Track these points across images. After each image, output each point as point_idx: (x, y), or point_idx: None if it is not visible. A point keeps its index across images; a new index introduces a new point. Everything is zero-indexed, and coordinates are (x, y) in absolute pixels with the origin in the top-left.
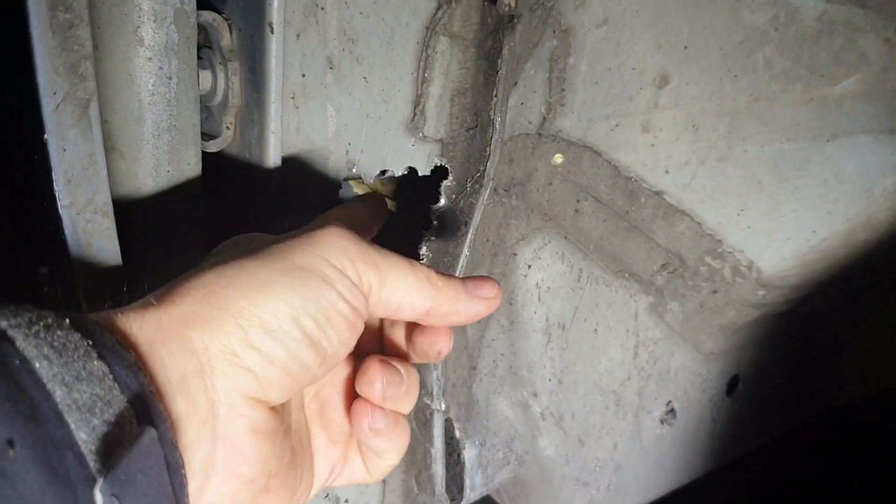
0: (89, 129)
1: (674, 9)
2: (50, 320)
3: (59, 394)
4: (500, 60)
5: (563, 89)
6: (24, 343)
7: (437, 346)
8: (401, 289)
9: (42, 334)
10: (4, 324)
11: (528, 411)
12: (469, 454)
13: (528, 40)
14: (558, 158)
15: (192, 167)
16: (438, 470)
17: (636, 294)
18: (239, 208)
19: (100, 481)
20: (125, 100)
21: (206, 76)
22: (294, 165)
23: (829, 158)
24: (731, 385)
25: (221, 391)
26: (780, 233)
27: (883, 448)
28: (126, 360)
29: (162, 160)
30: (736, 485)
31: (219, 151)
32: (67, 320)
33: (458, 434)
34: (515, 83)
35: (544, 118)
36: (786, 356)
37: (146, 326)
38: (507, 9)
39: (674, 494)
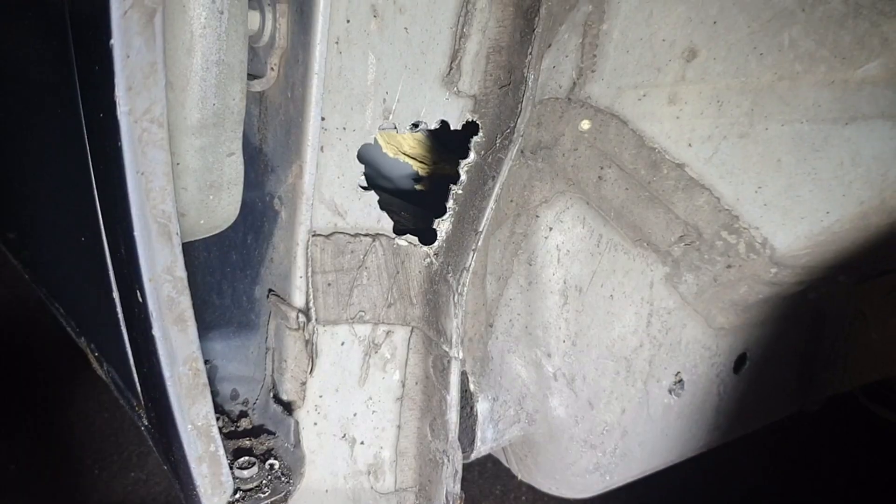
0: (153, 38)
1: None
2: None
3: None
4: (536, 19)
5: (594, 55)
6: None
7: None
8: None
9: None
10: None
11: (541, 371)
12: (482, 408)
13: (565, 2)
14: (585, 124)
15: (236, 103)
16: (452, 417)
17: (653, 263)
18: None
19: None
20: (177, 31)
21: (254, 16)
22: (333, 109)
23: (846, 141)
24: (739, 363)
25: None
26: (795, 212)
27: (883, 439)
28: None
29: (209, 93)
30: (734, 468)
31: (261, 91)
32: None
33: (472, 387)
34: (549, 45)
35: (574, 83)
36: (793, 340)
37: None
38: None
39: (674, 471)
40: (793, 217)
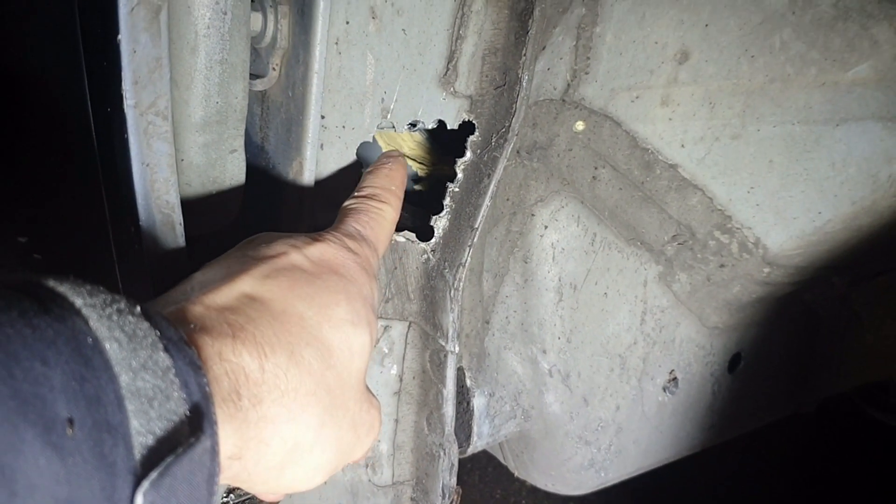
0: (158, 34)
1: None
2: (122, 305)
3: (124, 379)
4: (530, 21)
5: (588, 57)
6: (98, 323)
7: None
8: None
9: (114, 317)
10: (80, 302)
11: (537, 367)
12: (478, 403)
13: (559, 4)
14: (580, 125)
15: (238, 101)
16: (449, 410)
17: (647, 262)
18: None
19: (145, 484)
20: (182, 30)
21: (256, 17)
22: (332, 108)
23: (838, 142)
24: (733, 362)
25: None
26: (788, 212)
27: (879, 443)
28: (188, 357)
29: (212, 91)
30: (727, 470)
31: (263, 91)
32: (138, 308)
33: (469, 383)
34: (544, 48)
35: (569, 85)
36: (787, 341)
37: (201, 329)
38: None
39: (666, 471)
40: (785, 217)
